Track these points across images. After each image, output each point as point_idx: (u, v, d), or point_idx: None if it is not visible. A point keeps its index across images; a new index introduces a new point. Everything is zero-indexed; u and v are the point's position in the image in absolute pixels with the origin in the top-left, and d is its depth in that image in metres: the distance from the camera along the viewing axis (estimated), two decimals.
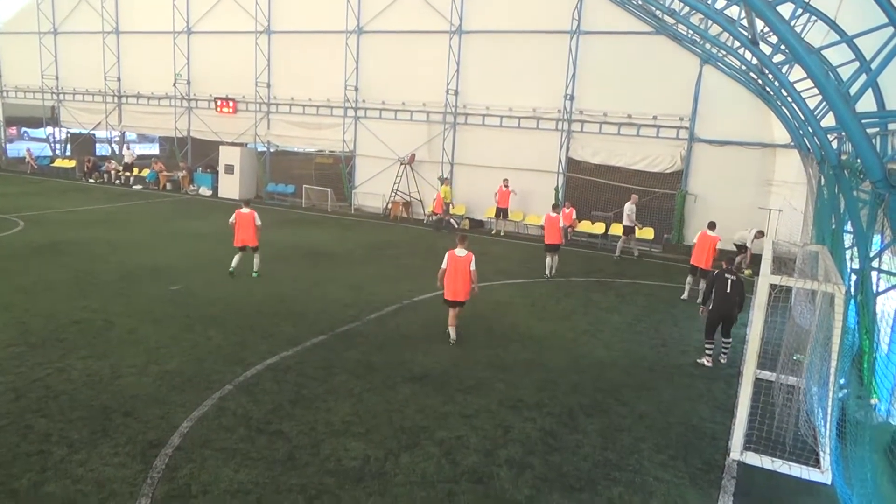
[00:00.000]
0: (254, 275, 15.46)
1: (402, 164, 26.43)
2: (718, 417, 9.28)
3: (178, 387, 9.20)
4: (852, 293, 9.06)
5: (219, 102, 30.42)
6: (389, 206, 26.99)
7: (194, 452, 7.45)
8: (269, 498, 6.62)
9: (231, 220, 15.38)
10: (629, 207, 20.35)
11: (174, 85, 31.64)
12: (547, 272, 17.13)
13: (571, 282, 17.12)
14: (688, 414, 9.36)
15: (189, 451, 7.48)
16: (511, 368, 10.67)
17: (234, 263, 15.50)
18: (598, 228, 23.10)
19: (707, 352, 11.40)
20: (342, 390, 9.41)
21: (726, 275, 11.09)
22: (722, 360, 11.39)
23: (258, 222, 15.41)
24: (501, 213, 24.13)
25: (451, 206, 24.98)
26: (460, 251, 11.46)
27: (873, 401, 8.41)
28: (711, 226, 15.23)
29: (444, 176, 25.97)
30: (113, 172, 33.45)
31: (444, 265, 11.49)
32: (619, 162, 22.89)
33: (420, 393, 9.48)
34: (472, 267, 11.43)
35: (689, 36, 19.28)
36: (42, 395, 8.69)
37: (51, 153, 37.33)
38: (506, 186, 23.80)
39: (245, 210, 15.45)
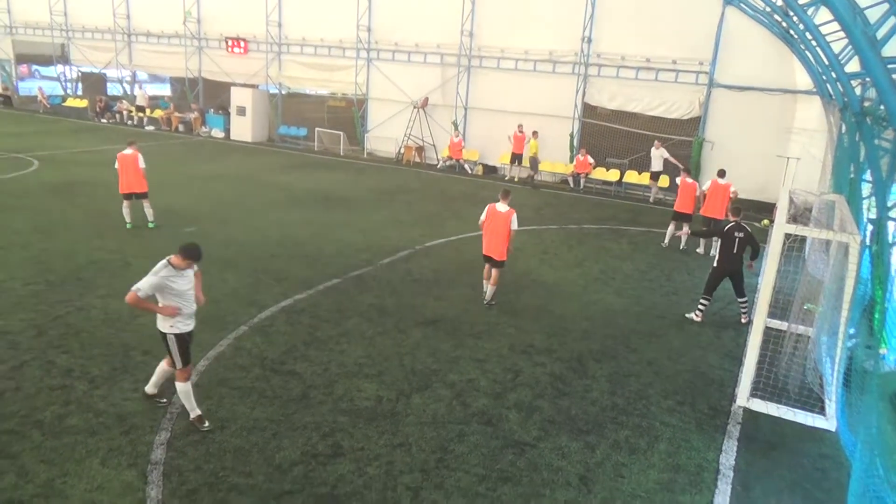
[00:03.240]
0: (150, 226, 14.06)
1: (415, 107, 26.09)
2: (726, 365, 9.38)
3: (195, 327, 9.36)
4: (867, 243, 9.00)
5: (230, 42, 29.95)
6: (402, 150, 26.79)
7: (212, 390, 7.66)
8: (284, 434, 6.83)
9: (115, 164, 13.82)
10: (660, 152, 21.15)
11: (184, 24, 31.11)
12: (666, 240, 15.61)
13: (584, 229, 17.08)
14: (696, 361, 9.46)
15: (206, 388, 7.69)
16: (522, 314, 10.77)
17: (126, 216, 14.00)
18: (613, 176, 22.87)
19: (700, 307, 11.06)
20: (355, 333, 9.56)
21: (736, 232, 10.64)
22: (743, 321, 10.98)
23: (142, 164, 13.72)
24: (516, 158, 23.85)
25: (538, 162, 23.46)
26: (501, 206, 10.68)
27: (882, 350, 8.46)
28: (721, 174, 14.93)
29: (457, 120, 25.69)
30: (125, 113, 33.31)
31: (482, 217, 10.89)
32: (637, 108, 22.51)
33: (432, 337, 9.63)
34: (514, 226, 10.62)
35: None
36: (63, 332, 8.91)
37: (62, 92, 37.14)
38: (521, 131, 23.47)
39: (128, 151, 13.73)
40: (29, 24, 36.07)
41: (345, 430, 7.02)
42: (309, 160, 25.97)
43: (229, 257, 12.64)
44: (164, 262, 6.62)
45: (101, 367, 8.04)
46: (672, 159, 21.02)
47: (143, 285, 6.51)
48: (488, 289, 11.09)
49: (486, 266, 11.15)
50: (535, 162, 23.39)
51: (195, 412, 6.90)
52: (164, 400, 7.24)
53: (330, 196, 19.10)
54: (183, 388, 6.86)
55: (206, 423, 6.88)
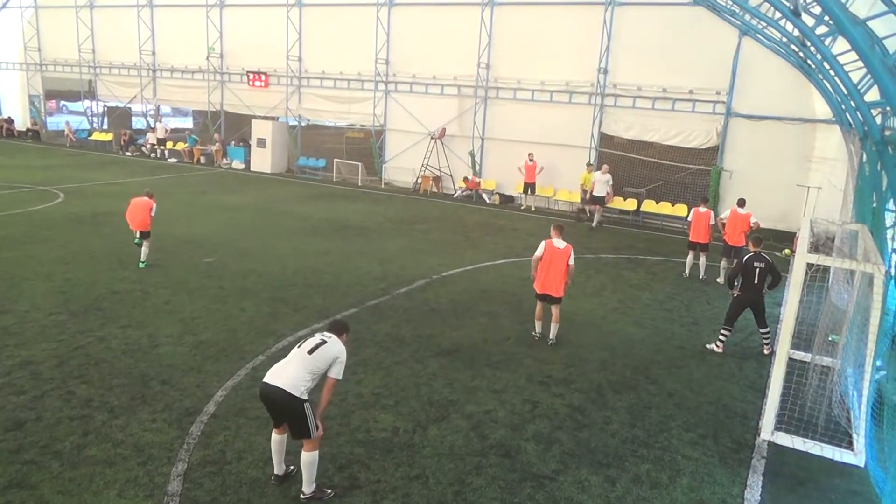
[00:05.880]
0: (140, 265, 13.65)
1: (432, 138, 26.34)
2: (749, 397, 9.20)
3: (213, 357, 9.42)
4: (893, 274, 8.84)
5: (251, 76, 30.57)
6: (419, 180, 26.98)
7: (229, 420, 7.65)
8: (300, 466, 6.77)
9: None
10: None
11: (207, 59, 31.83)
12: (687, 271, 15.53)
13: (601, 259, 16.99)
14: (718, 393, 9.29)
15: (224, 419, 7.68)
16: (539, 344, 10.69)
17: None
18: (630, 205, 22.80)
19: (721, 338, 10.89)
20: (372, 363, 9.53)
21: (755, 263, 10.49)
22: (766, 352, 10.79)
23: (153, 213, 13.62)
24: (529, 187, 23.93)
25: (587, 195, 22.49)
26: (559, 242, 10.50)
27: None
28: (741, 203, 14.85)
29: (474, 150, 25.87)
30: (149, 146, 34.00)
31: (538, 253, 10.52)
32: (653, 137, 22.50)
33: (449, 367, 9.57)
34: (571, 262, 10.49)
35: (728, 7, 18.71)
36: (83, 362, 8.99)
37: (88, 126, 38.03)
38: (531, 160, 23.57)
39: (142, 198, 13.70)
40: (58, 61, 37.10)
41: (361, 461, 6.96)
42: (327, 190, 26.23)
43: (248, 287, 12.72)
44: (343, 346, 6.41)
45: (120, 397, 8.07)
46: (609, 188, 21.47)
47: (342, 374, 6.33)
48: (552, 327, 10.68)
49: (539, 305, 10.80)
50: (585, 195, 23.09)
51: (312, 486, 6.26)
52: (329, 491, 6.35)
53: (348, 226, 19.23)
54: (313, 459, 6.24)
55: (329, 491, 6.37)
